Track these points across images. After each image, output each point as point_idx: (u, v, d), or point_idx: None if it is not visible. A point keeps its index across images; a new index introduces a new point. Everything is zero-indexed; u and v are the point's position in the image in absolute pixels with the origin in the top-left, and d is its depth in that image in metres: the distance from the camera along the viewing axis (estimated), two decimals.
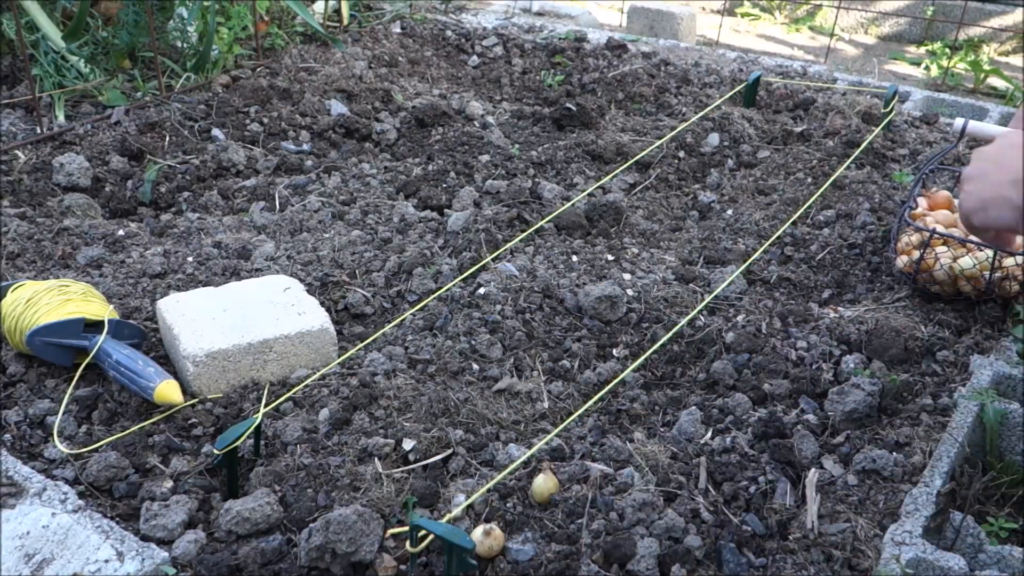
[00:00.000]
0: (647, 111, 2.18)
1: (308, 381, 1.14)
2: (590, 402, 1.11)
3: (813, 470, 0.97)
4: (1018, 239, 0.92)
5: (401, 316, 1.28)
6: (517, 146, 1.93)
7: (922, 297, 1.35)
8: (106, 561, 0.84)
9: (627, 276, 1.40)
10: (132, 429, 1.06)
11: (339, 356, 1.20)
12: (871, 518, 0.92)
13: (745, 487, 0.95)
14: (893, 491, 0.95)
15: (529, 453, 1.01)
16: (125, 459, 1.00)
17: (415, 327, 1.26)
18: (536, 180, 1.73)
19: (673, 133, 1.93)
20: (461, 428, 1.07)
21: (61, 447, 1.02)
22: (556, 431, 1.07)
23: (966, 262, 1.28)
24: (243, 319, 1.17)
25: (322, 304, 1.26)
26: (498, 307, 1.27)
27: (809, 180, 1.77)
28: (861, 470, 0.98)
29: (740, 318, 1.30)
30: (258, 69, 2.20)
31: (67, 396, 1.10)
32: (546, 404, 1.13)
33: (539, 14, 3.32)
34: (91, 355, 1.12)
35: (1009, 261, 1.26)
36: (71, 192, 1.64)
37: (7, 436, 1.05)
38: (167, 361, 1.19)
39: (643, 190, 1.78)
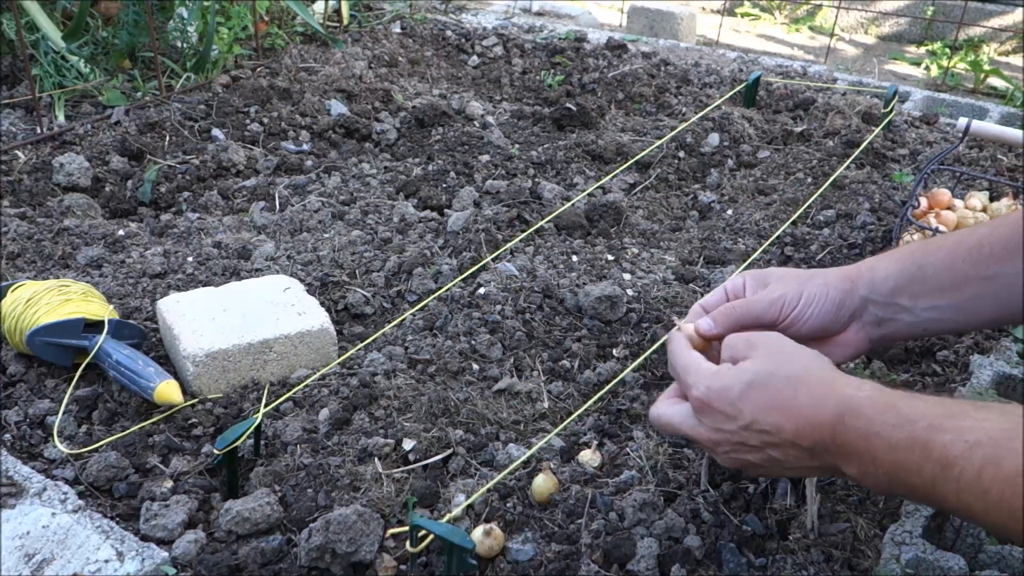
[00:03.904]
0: (647, 111, 2.18)
1: (308, 381, 1.14)
2: (590, 402, 1.11)
3: None
4: None
5: (401, 316, 1.28)
6: (517, 146, 1.93)
7: None
8: (106, 561, 0.84)
9: (627, 276, 1.40)
10: (132, 429, 1.06)
11: (339, 356, 1.20)
12: (871, 518, 0.92)
13: (745, 487, 0.95)
14: None
15: (529, 453, 1.01)
16: (125, 459, 1.00)
17: (415, 327, 1.26)
18: (536, 180, 1.73)
19: (673, 133, 1.93)
20: (461, 428, 1.07)
21: (61, 447, 1.02)
22: (556, 431, 1.07)
23: None
24: (243, 319, 1.17)
25: (322, 304, 1.26)
26: (498, 307, 1.28)
27: (809, 180, 1.77)
28: None
29: None
30: (258, 69, 2.20)
31: (67, 396, 1.10)
32: (546, 404, 1.13)
33: (539, 14, 3.32)
34: (91, 355, 1.12)
35: None
36: (71, 192, 1.65)
37: (7, 436, 1.05)
38: (167, 361, 1.19)
39: (643, 190, 1.78)
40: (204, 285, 1.34)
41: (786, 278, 0.90)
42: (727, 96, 2.16)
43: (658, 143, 1.89)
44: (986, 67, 2.98)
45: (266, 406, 1.09)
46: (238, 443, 0.95)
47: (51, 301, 1.15)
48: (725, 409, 0.76)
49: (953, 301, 0.85)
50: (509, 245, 1.45)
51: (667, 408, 0.84)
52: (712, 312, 0.90)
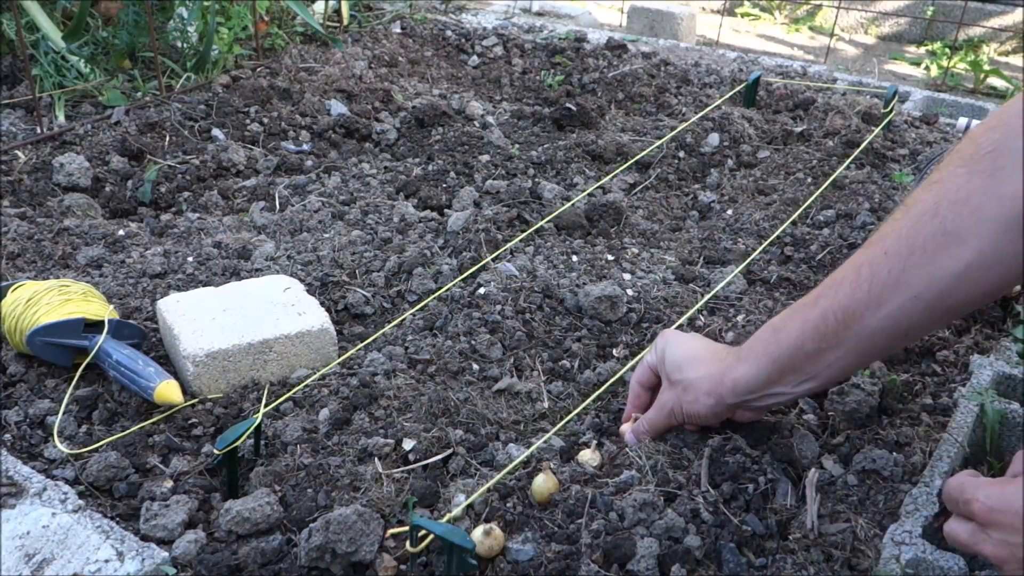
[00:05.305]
0: (647, 111, 2.18)
1: (308, 381, 1.14)
2: (588, 400, 1.11)
3: (813, 470, 0.97)
4: None
5: (401, 316, 1.28)
6: (517, 146, 1.93)
7: None
8: (106, 561, 0.84)
9: (627, 276, 1.40)
10: (132, 429, 1.06)
11: (339, 356, 1.20)
12: (871, 518, 0.92)
13: (745, 487, 0.95)
14: (893, 491, 0.95)
15: (528, 452, 1.01)
16: (125, 459, 1.00)
17: (415, 327, 1.26)
18: (536, 180, 1.73)
19: (673, 133, 1.93)
20: (461, 428, 1.07)
21: (61, 447, 1.02)
22: (554, 430, 1.07)
23: None
24: (243, 319, 1.17)
25: (322, 304, 1.26)
26: (498, 307, 1.28)
27: (809, 180, 1.77)
28: (861, 470, 0.98)
29: (740, 318, 1.30)
30: (258, 69, 2.20)
31: (67, 396, 1.10)
32: (546, 404, 1.13)
33: (539, 14, 3.32)
34: (91, 355, 1.12)
35: None
36: (71, 192, 1.65)
37: (7, 436, 1.05)
38: (167, 361, 1.19)
39: (643, 190, 1.78)
40: (204, 285, 1.34)
41: (671, 381, 0.99)
42: (727, 96, 2.16)
43: (658, 143, 1.89)
44: (986, 67, 2.98)
45: (266, 406, 1.09)
46: (238, 443, 0.95)
47: (51, 301, 1.15)
48: (1009, 521, 0.72)
49: (817, 370, 0.89)
50: (509, 245, 1.45)
51: (955, 523, 0.79)
52: (633, 428, 1.04)
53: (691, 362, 0.98)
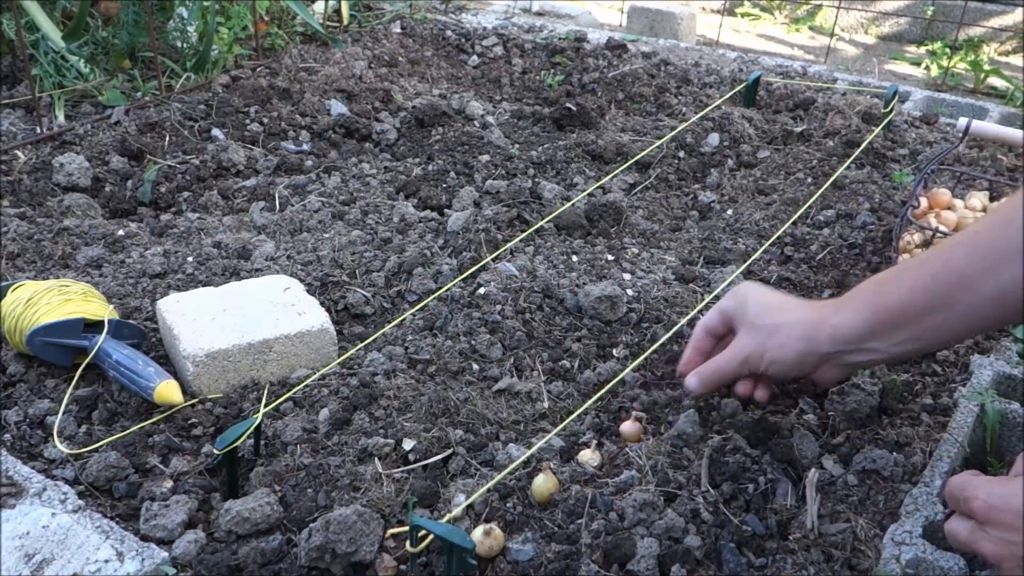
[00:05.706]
0: (647, 111, 2.18)
1: (308, 381, 1.14)
2: (590, 402, 1.11)
3: (813, 470, 0.97)
4: None
5: (401, 316, 1.28)
6: (517, 146, 1.93)
7: None
8: (106, 561, 0.84)
9: (627, 276, 1.40)
10: (132, 429, 1.06)
11: (339, 356, 1.20)
12: (871, 518, 0.92)
13: (745, 487, 0.95)
14: (893, 491, 0.95)
15: (529, 453, 1.01)
16: (125, 459, 1.00)
17: (415, 327, 1.26)
18: (536, 180, 1.73)
19: (673, 133, 1.93)
20: (461, 428, 1.07)
21: (61, 447, 1.02)
22: (556, 431, 1.07)
23: None
24: (243, 319, 1.17)
25: (322, 304, 1.26)
26: (498, 307, 1.28)
27: (809, 180, 1.77)
28: (861, 470, 0.98)
29: None
30: (258, 69, 2.20)
31: (67, 396, 1.10)
32: (546, 404, 1.13)
33: (539, 14, 3.32)
34: (91, 355, 1.12)
35: None
36: (71, 192, 1.65)
37: (7, 436, 1.05)
38: (167, 361, 1.19)
39: (643, 190, 1.78)
40: (204, 285, 1.34)
41: (755, 326, 0.96)
42: (727, 96, 2.16)
43: (658, 143, 1.89)
44: (986, 67, 2.98)
45: (266, 406, 1.09)
46: (238, 443, 0.95)
47: (51, 301, 1.15)
48: (1008, 519, 0.72)
49: (916, 333, 0.88)
50: (509, 245, 1.45)
51: (955, 522, 0.79)
52: (697, 371, 1.01)
53: (781, 307, 0.96)
